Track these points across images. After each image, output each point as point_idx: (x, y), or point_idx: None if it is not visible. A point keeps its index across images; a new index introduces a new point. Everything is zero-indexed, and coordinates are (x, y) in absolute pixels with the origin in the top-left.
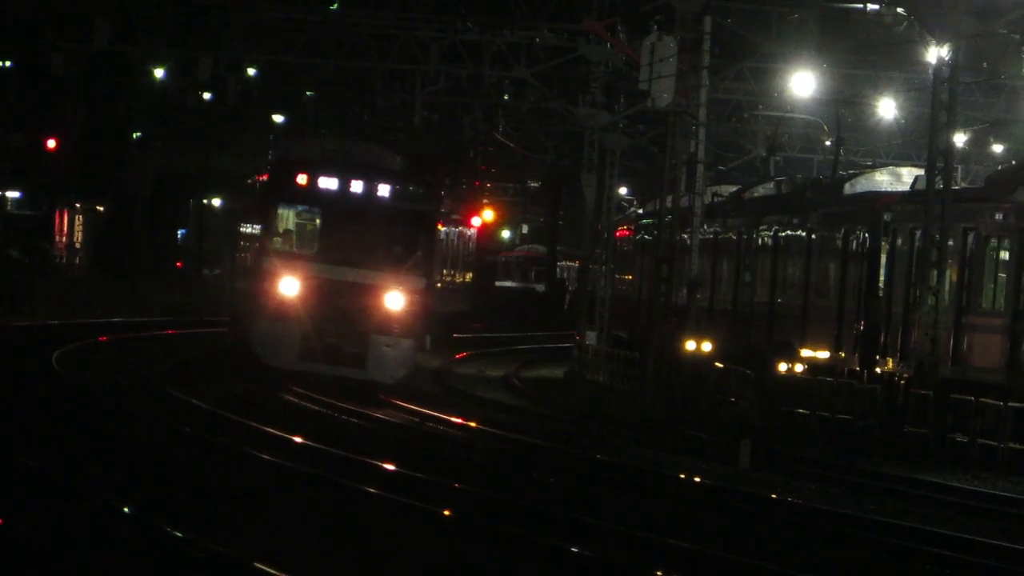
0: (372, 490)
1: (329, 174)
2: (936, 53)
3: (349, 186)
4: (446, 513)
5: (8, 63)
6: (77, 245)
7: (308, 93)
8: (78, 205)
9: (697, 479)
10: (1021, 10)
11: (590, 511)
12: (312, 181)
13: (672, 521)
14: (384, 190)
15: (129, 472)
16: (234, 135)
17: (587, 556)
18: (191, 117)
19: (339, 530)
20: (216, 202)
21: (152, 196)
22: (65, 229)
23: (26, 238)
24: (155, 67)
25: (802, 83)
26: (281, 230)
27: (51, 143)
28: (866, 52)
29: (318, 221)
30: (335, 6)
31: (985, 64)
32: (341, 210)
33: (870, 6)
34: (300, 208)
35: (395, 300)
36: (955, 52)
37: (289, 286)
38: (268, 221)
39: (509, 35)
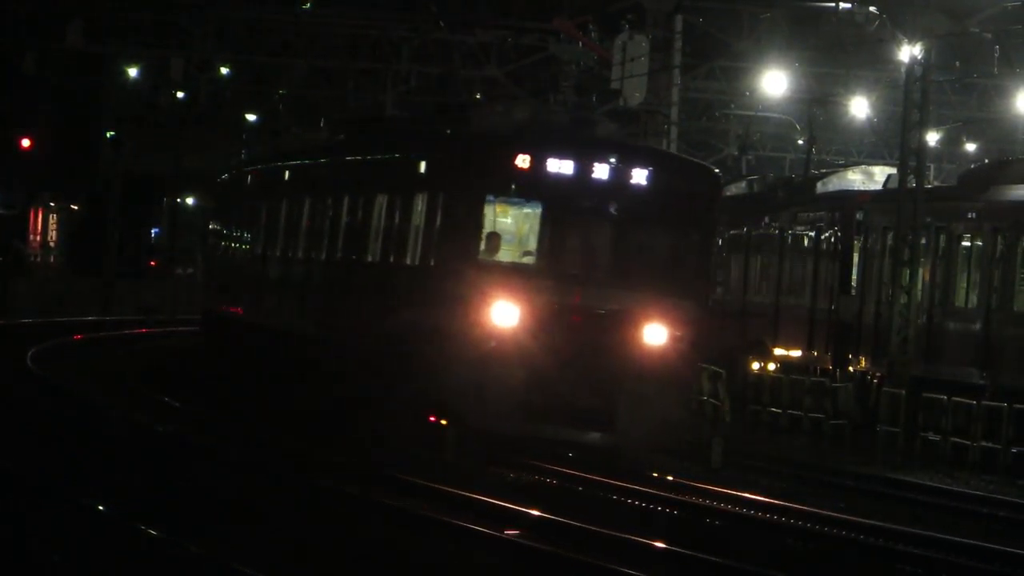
0: None
1: (567, 155)
2: (908, 52)
3: (596, 172)
4: None
5: None
6: (52, 244)
7: (280, 92)
8: (52, 204)
9: (670, 477)
10: (993, 9)
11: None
12: (540, 165)
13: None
14: (653, 176)
15: (103, 471)
16: (206, 135)
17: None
18: (163, 117)
19: None
20: (189, 201)
21: (125, 195)
22: (40, 228)
23: (0, 237)
24: (128, 67)
25: (774, 82)
26: (486, 235)
27: (25, 142)
28: (838, 51)
29: (547, 222)
30: (307, 6)
31: (957, 63)
32: (585, 205)
33: (842, 5)
34: (521, 203)
35: (659, 333)
36: (927, 51)
37: (506, 315)
38: (470, 222)
39: (480, 34)
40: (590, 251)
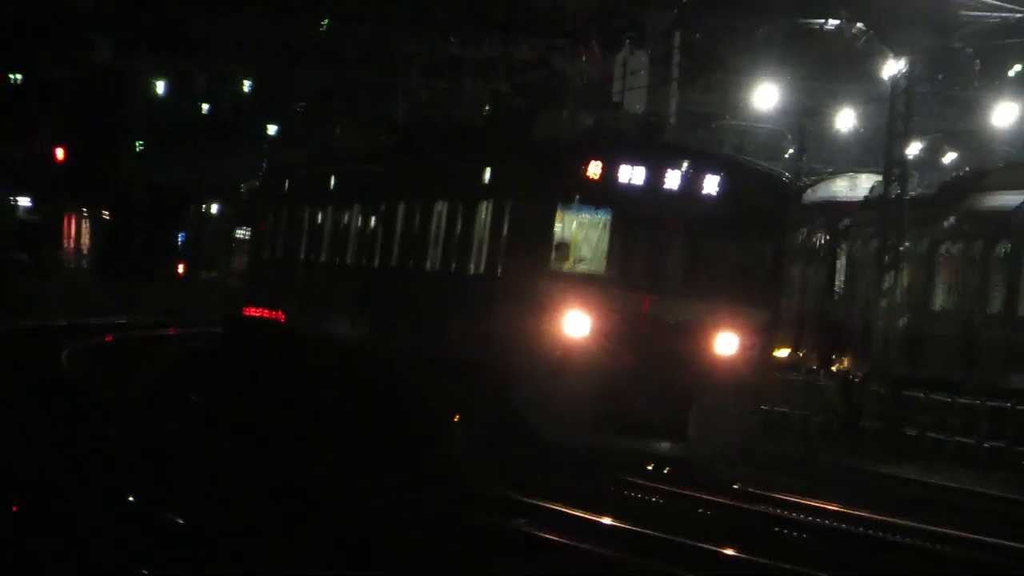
0: None
1: (639, 161)
2: (894, 66)
3: (668, 179)
4: None
5: (19, 77)
6: (84, 250)
7: (301, 104)
8: (85, 211)
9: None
10: (974, 25)
11: None
12: (612, 171)
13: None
14: (724, 184)
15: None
16: (228, 145)
17: None
18: (188, 128)
19: None
20: (213, 208)
21: (151, 203)
22: (73, 234)
23: (36, 243)
24: (154, 81)
25: (766, 95)
26: (556, 243)
27: (59, 153)
28: (827, 65)
29: (618, 230)
30: (324, 23)
31: (940, 76)
32: (656, 214)
33: (831, 21)
34: (591, 211)
35: (731, 343)
36: (912, 65)
37: (577, 325)
38: (540, 231)
39: (488, 50)
40: (661, 259)
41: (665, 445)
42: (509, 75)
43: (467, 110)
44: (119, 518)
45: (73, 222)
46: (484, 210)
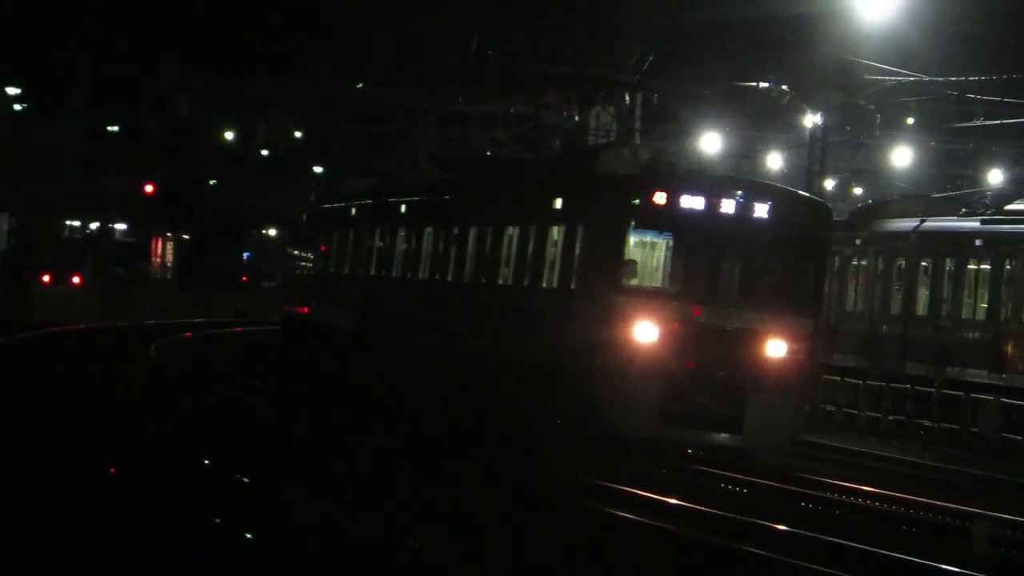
0: None
1: (699, 191)
2: (811, 119)
3: (724, 206)
4: None
5: (116, 127)
6: (168, 265)
7: (338, 151)
8: (169, 234)
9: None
10: (875, 86)
11: None
12: (675, 200)
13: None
14: (771, 210)
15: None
16: (283, 181)
17: None
18: (251, 168)
19: None
20: (271, 232)
21: (222, 227)
22: (159, 252)
23: (130, 259)
24: (224, 131)
25: (711, 142)
26: (626, 262)
27: (149, 188)
28: (759, 118)
29: (680, 250)
30: (360, 84)
31: (848, 127)
32: (713, 236)
33: (762, 84)
34: (655, 234)
35: (779, 348)
36: (825, 118)
37: (647, 333)
38: (612, 251)
39: (489, 106)
40: (718, 276)
41: (723, 437)
42: (507, 126)
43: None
44: (195, 478)
45: (160, 243)
46: (557, 233)
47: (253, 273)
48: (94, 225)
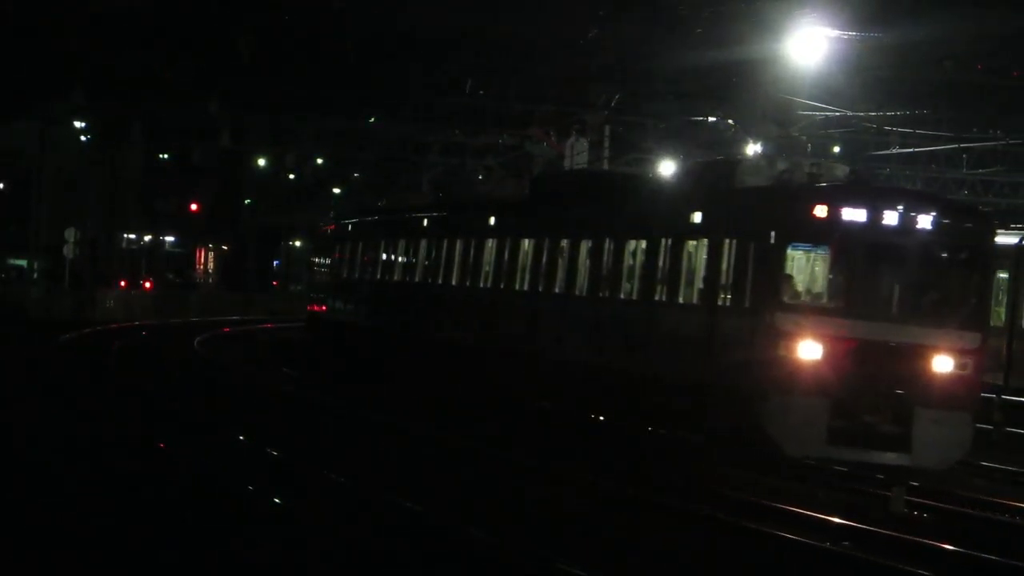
0: None
1: (859, 204)
2: (752, 148)
3: (886, 217)
4: None
5: (166, 155)
6: (210, 271)
7: (355, 175)
8: (211, 245)
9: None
10: (806, 121)
11: None
12: (836, 213)
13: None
14: (934, 220)
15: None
16: (308, 201)
17: None
18: (281, 190)
19: None
20: (298, 243)
21: (257, 240)
22: (202, 261)
23: (178, 267)
24: (258, 158)
25: (668, 168)
26: (786, 277)
27: (193, 207)
28: (707, 147)
29: (839, 264)
30: (372, 120)
31: (784, 155)
32: (875, 249)
33: (710, 119)
34: (814, 248)
35: (946, 363)
36: (765, 147)
37: (810, 350)
38: (772, 267)
39: (483, 138)
40: (882, 290)
41: (891, 456)
42: (497, 155)
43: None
44: (231, 452)
45: (203, 253)
46: (698, 248)
47: (282, 278)
48: (147, 238)
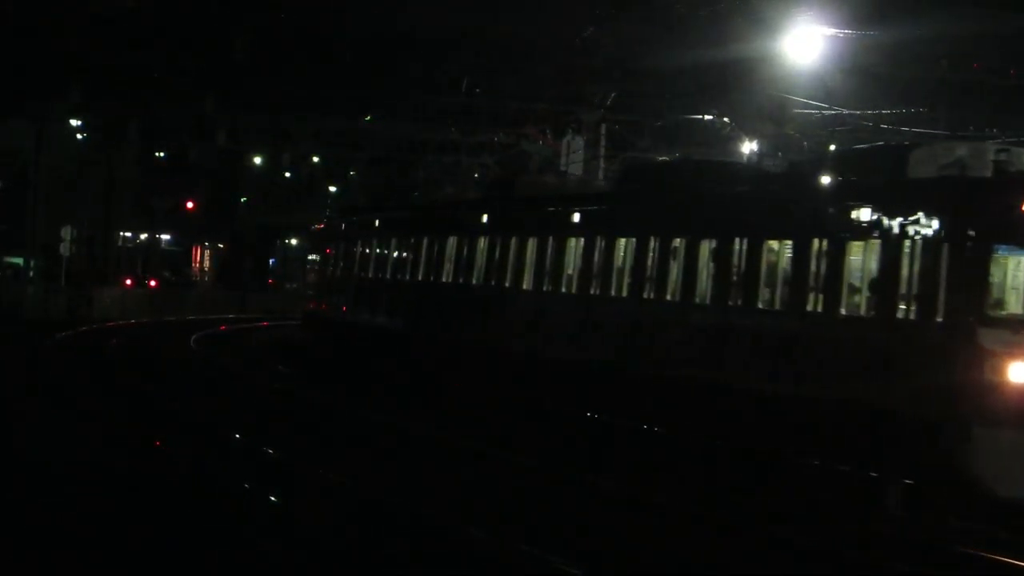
0: None
1: None
2: (748, 146)
3: None
4: None
5: (162, 154)
6: (206, 270)
7: (351, 174)
8: (207, 244)
9: None
10: (802, 119)
11: None
12: None
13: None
14: None
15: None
16: (305, 200)
17: None
18: (277, 188)
19: None
20: (293, 241)
21: (252, 238)
22: (199, 259)
23: (174, 265)
24: (254, 156)
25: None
26: (990, 285)
27: (190, 205)
28: (703, 145)
29: None
30: (368, 118)
31: (779, 153)
32: None
33: (706, 117)
34: (1018, 250)
35: None
36: (760, 145)
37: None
38: (969, 273)
39: (478, 136)
40: None
41: None
42: (493, 153)
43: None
44: (228, 451)
45: (199, 251)
46: (864, 251)
47: (278, 277)
48: (144, 236)
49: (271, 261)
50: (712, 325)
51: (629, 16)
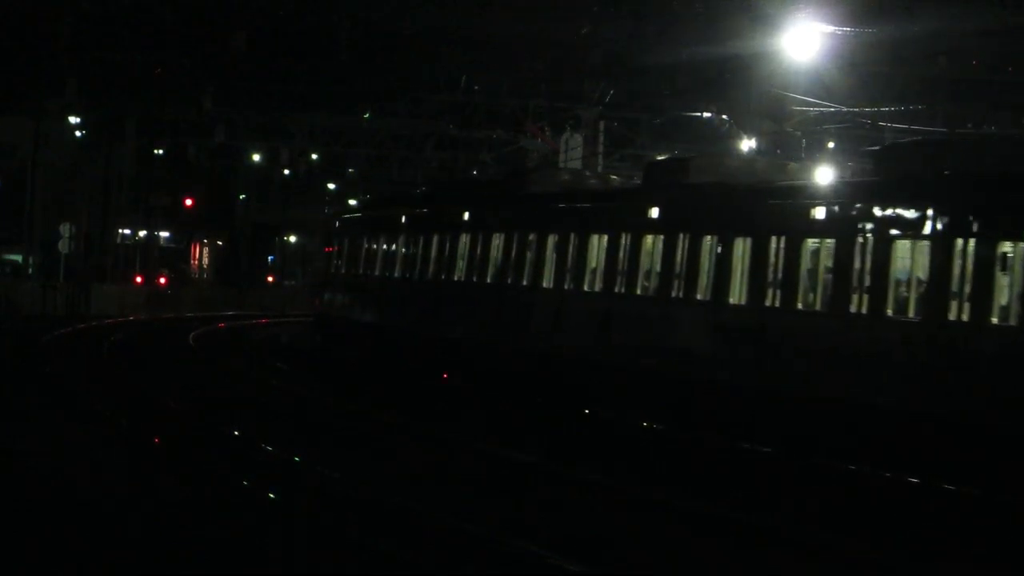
0: None
1: None
2: (747, 144)
3: None
4: None
5: (160, 151)
6: (205, 266)
7: (349, 170)
8: (206, 240)
9: None
10: (800, 116)
11: None
12: None
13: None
14: None
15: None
16: (302, 197)
17: None
18: (275, 186)
19: None
20: (292, 238)
21: (251, 235)
22: (197, 256)
23: (173, 262)
24: (252, 154)
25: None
26: None
27: (188, 202)
28: (701, 142)
29: None
30: (367, 115)
31: (778, 150)
32: None
33: (705, 114)
34: None
35: None
36: (758, 143)
37: None
38: None
39: (476, 133)
40: None
41: None
42: (491, 150)
43: (463, 174)
44: (227, 448)
45: (198, 247)
46: (912, 248)
47: (277, 273)
48: (142, 233)
49: (270, 258)
50: (747, 326)
51: (626, 12)
